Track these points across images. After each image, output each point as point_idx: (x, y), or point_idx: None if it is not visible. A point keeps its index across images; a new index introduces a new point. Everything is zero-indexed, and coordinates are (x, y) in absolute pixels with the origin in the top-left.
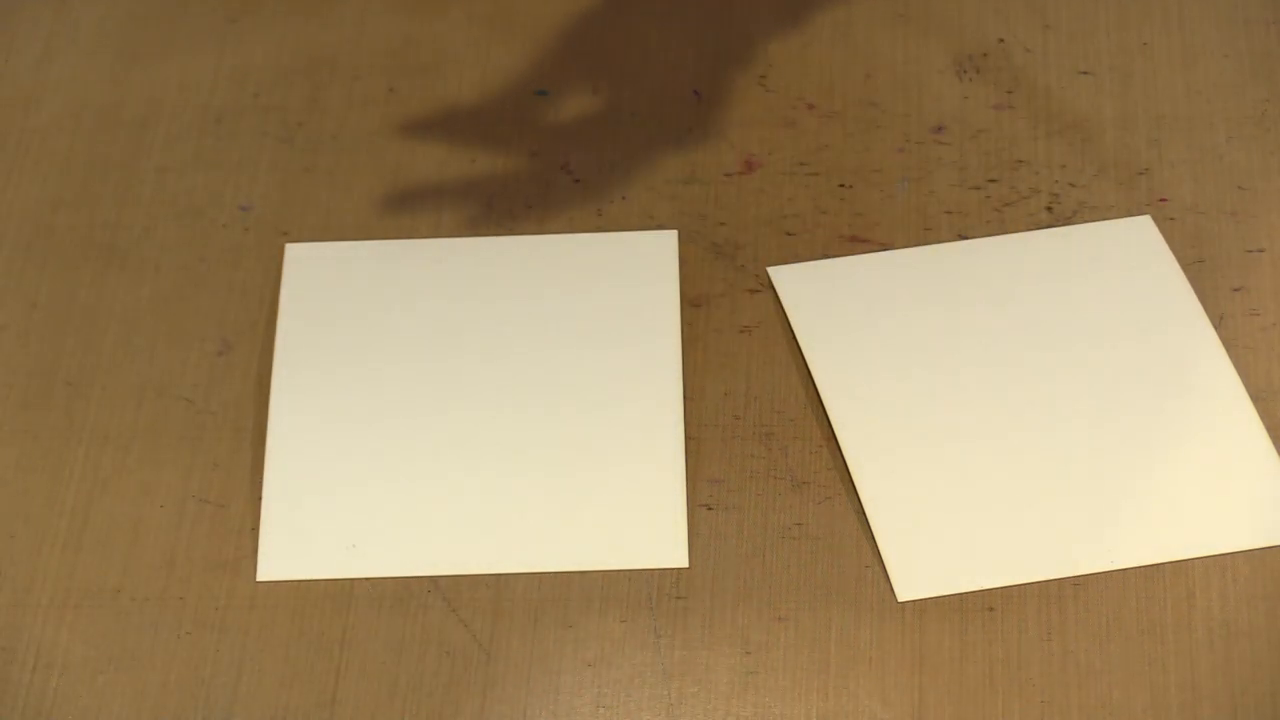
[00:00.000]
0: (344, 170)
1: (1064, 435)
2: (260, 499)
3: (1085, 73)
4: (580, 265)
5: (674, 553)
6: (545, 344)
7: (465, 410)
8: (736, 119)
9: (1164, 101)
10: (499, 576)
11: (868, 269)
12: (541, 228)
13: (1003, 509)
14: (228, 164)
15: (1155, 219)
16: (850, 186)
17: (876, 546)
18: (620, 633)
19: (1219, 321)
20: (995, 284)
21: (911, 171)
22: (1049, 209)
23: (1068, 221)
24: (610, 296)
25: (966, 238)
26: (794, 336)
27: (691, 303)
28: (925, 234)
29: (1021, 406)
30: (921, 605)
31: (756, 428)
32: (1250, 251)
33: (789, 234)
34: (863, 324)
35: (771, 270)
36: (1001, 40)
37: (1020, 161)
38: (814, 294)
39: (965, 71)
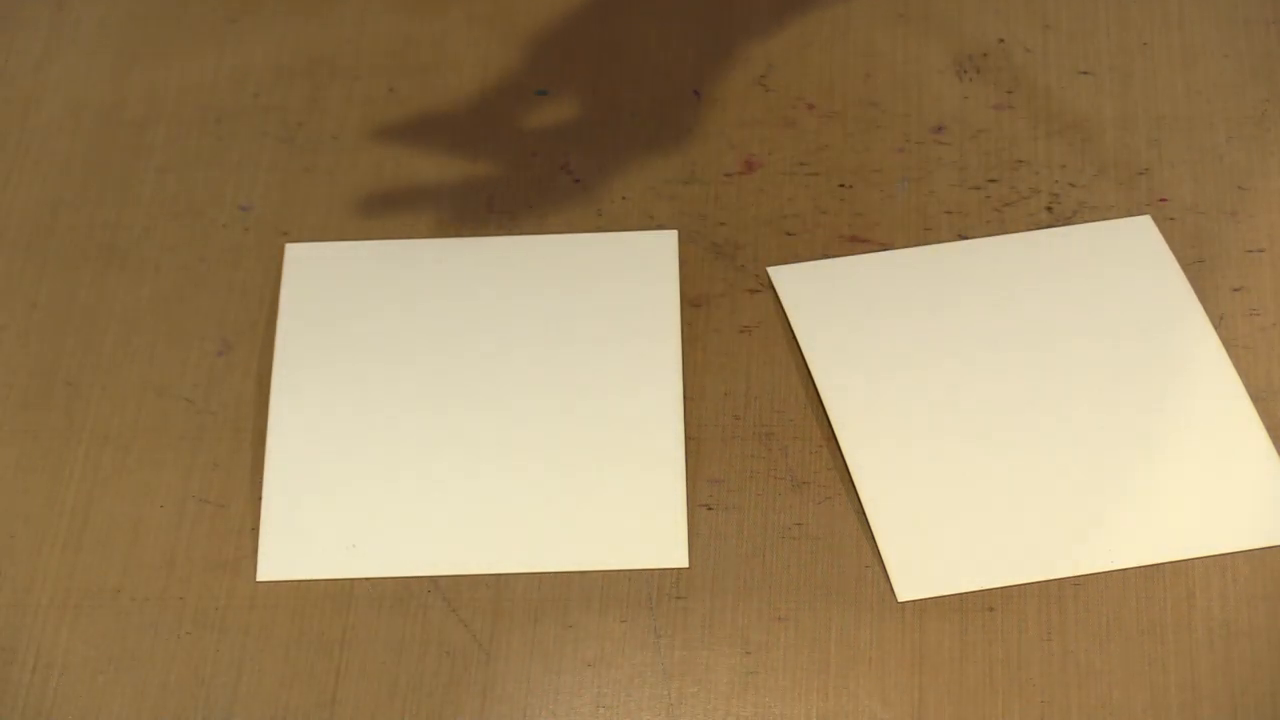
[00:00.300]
0: (344, 170)
1: (1064, 435)
2: (260, 499)
3: (1085, 73)
4: (580, 265)
5: (674, 553)
6: (545, 344)
7: (465, 410)
8: (736, 119)
9: (1164, 101)
10: (499, 576)
11: (868, 269)
12: (541, 228)
13: (1003, 509)
14: (228, 164)
15: (1155, 219)
16: (850, 186)
17: (876, 546)
18: (620, 633)
19: (1219, 321)
20: (995, 284)
21: (911, 171)
22: (1049, 209)
23: (1068, 221)
24: (610, 296)
25: (966, 238)
26: (794, 336)
27: (691, 303)
28: (925, 234)
29: (1021, 406)
30: (921, 605)
31: (756, 428)
32: (1250, 251)
33: (789, 234)
34: (863, 324)
35: (771, 270)
36: (1001, 40)
37: (1020, 161)
38: (814, 294)
39: (965, 71)
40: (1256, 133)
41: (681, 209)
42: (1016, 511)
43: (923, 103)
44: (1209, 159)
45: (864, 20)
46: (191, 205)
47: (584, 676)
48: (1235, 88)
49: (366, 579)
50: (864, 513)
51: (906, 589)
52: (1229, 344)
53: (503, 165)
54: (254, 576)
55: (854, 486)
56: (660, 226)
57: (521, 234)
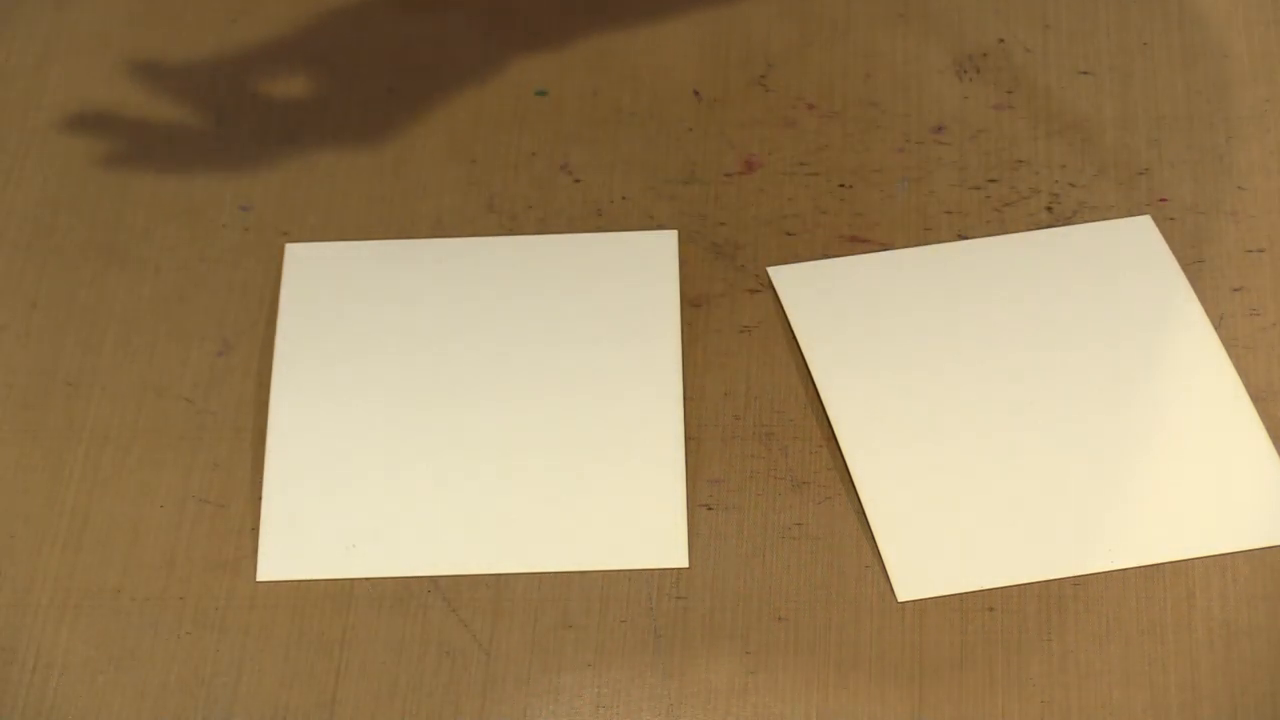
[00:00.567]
0: (344, 170)
1: (1064, 435)
2: (260, 499)
3: (1085, 73)
4: (580, 265)
5: (674, 553)
6: (545, 344)
7: (465, 410)
8: (736, 119)
9: (1164, 101)
10: (499, 576)
11: (868, 269)
12: (541, 228)
13: (1003, 509)
14: (228, 164)
15: (1155, 219)
16: (850, 186)
17: (876, 546)
18: (620, 633)
19: (1219, 321)
20: (995, 284)
21: (911, 171)
22: (1049, 209)
23: (1068, 221)
24: (610, 296)
25: (966, 238)
26: (794, 336)
27: (691, 303)
28: (925, 234)
29: (1021, 406)
30: (921, 605)
31: (756, 428)
32: (1250, 251)
33: (789, 234)
34: (863, 324)
35: (771, 270)
36: (1001, 40)
37: (1020, 161)
38: (814, 294)
39: (965, 71)
40: (1256, 133)
41: (681, 209)
42: (1017, 511)
43: (923, 103)
44: (1209, 159)
45: (864, 20)
46: (191, 205)
47: (584, 676)
48: (1235, 88)
49: (366, 579)
50: (864, 513)
51: (906, 589)
52: (1229, 344)
53: (503, 165)
54: (254, 576)
55: (854, 486)
56: (660, 226)
57: (521, 234)
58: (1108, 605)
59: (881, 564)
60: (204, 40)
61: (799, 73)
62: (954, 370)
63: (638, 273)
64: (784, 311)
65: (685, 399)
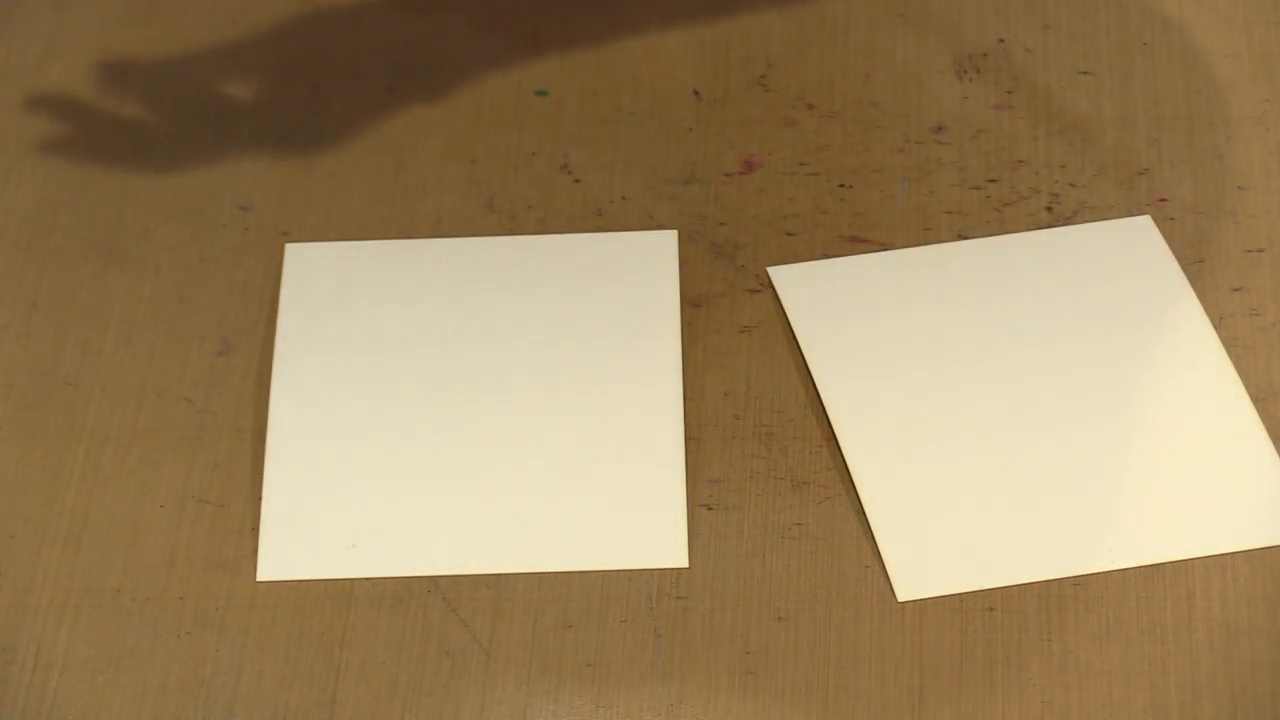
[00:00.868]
0: (344, 170)
1: (1064, 435)
2: (260, 499)
3: (1085, 73)
4: (580, 265)
5: (674, 553)
6: (545, 344)
7: (465, 410)
8: (736, 119)
9: (1164, 101)
10: (499, 576)
11: (868, 269)
12: (541, 228)
13: (1003, 509)
14: (228, 164)
15: (1155, 219)
16: (850, 186)
17: (876, 546)
18: (620, 633)
19: (1219, 321)
20: (995, 284)
21: (911, 171)
22: (1049, 209)
23: (1068, 221)
24: (610, 296)
25: (966, 238)
26: (794, 336)
27: (691, 303)
28: (925, 234)
29: (1021, 406)
30: (921, 605)
31: (756, 428)
32: (1250, 251)
33: (789, 234)
34: (863, 324)
35: (771, 270)
36: (1001, 40)
37: (1020, 161)
38: (814, 294)
39: (965, 71)
40: (1256, 133)
41: (681, 209)
42: (1016, 511)
43: (923, 103)
44: (1209, 159)
45: (864, 20)
46: (191, 205)
47: (584, 676)
48: (1235, 88)
49: (366, 579)
50: (864, 513)
51: (906, 589)
52: (1229, 344)
53: (503, 165)
54: (254, 576)
55: (854, 486)
56: (660, 226)
57: (521, 234)
58: (1108, 605)
59: (881, 564)
60: (204, 40)
61: (799, 73)
62: (954, 370)
63: (638, 273)
64: (784, 311)
65: (685, 399)
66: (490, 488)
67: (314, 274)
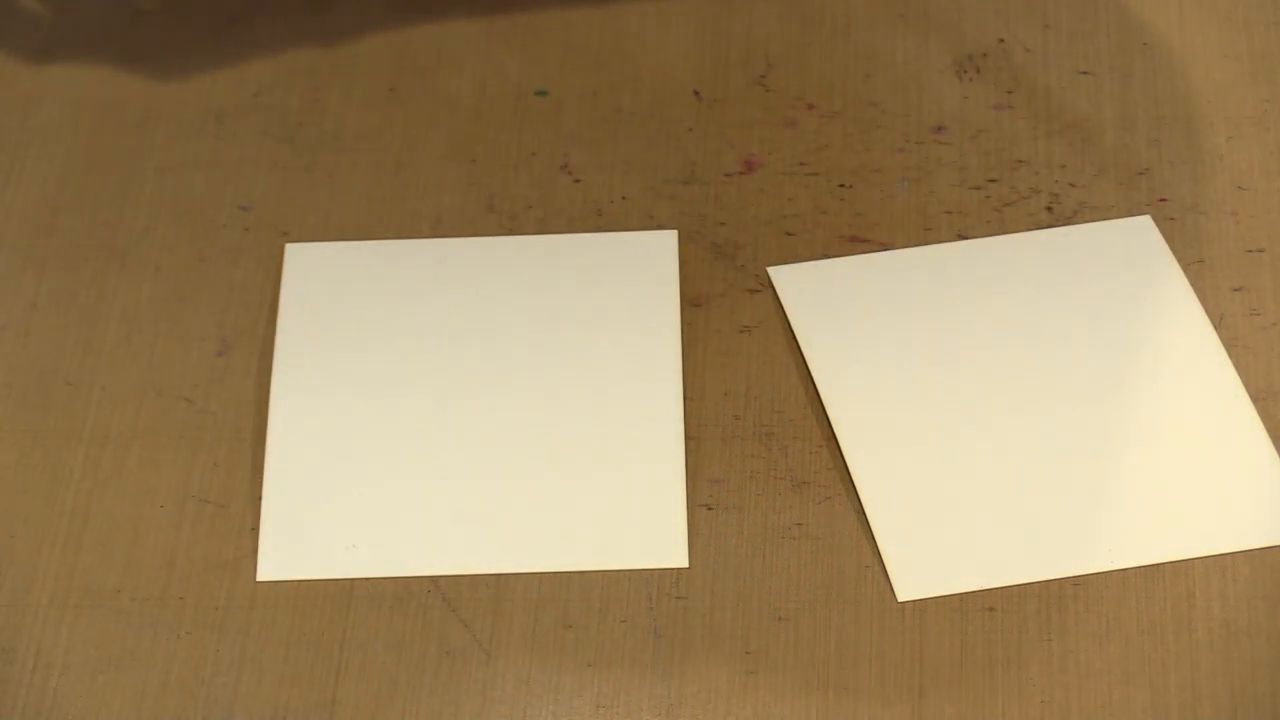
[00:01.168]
0: (344, 170)
1: (1063, 435)
2: (260, 499)
3: (1085, 73)
4: (580, 265)
5: (674, 553)
6: (545, 344)
7: (465, 410)
8: (736, 119)
9: (1164, 101)
10: (499, 576)
11: (868, 269)
12: (541, 228)
13: (1003, 509)
14: (228, 164)
15: (1155, 219)
16: (850, 186)
17: (876, 546)
18: (620, 633)
19: (1219, 321)
20: (995, 284)
21: (911, 171)
22: (1049, 209)
23: (1068, 221)
24: (610, 296)
25: (966, 238)
26: (794, 336)
27: (691, 303)
28: (925, 234)
29: (1021, 406)
30: (921, 605)
31: (756, 428)
32: (1250, 251)
33: (789, 234)
34: (863, 324)
35: (771, 270)
36: (1001, 40)
37: (1020, 161)
38: (814, 294)
39: (965, 71)
40: (1256, 133)
41: (681, 209)
42: (1016, 511)
43: (923, 103)
44: (1209, 159)
45: (864, 20)
46: (191, 205)
47: (584, 676)
48: (1235, 88)
49: (366, 579)
50: (864, 513)
51: (906, 589)
52: (1229, 344)
53: (503, 165)
54: (254, 576)
55: (854, 486)
56: (660, 226)
57: (521, 234)
58: (1108, 605)
59: (881, 564)
60: (204, 40)
61: (799, 73)
62: (954, 370)
63: (638, 273)
64: (784, 311)
65: (685, 399)
66: (490, 488)
67: (314, 274)
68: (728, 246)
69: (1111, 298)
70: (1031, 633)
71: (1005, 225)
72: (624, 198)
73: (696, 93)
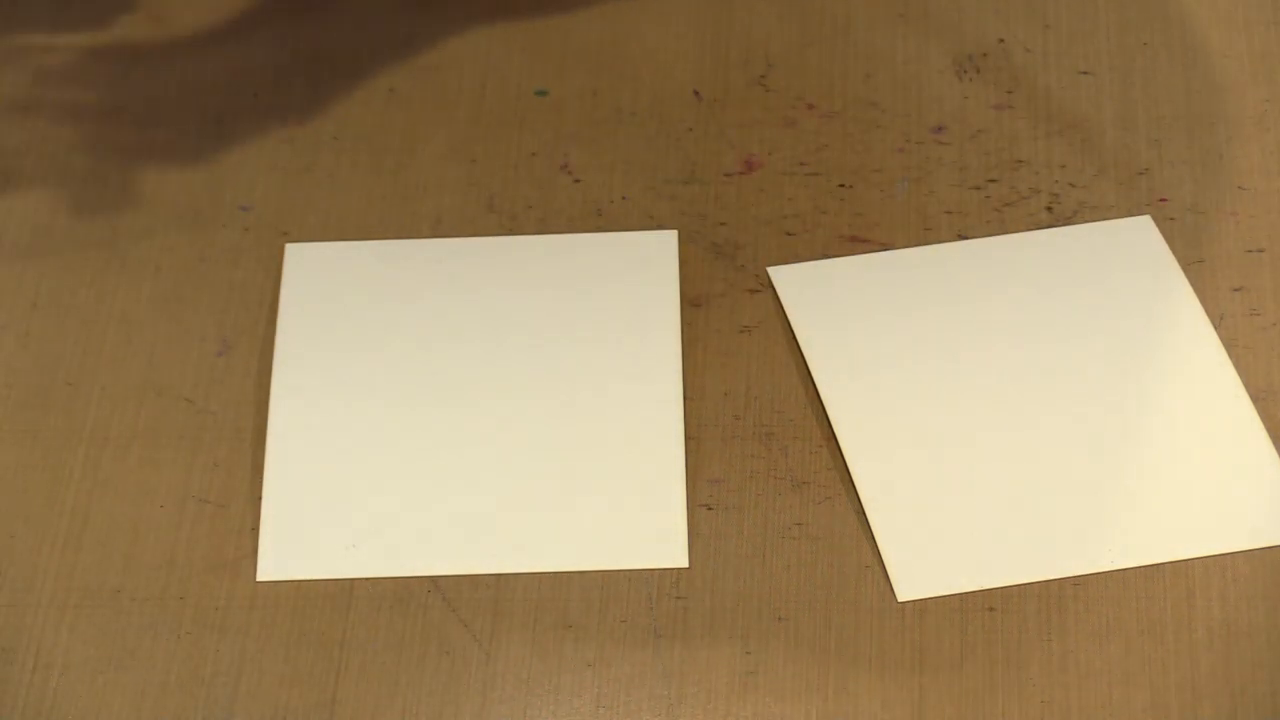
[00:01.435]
0: (344, 170)
1: (1063, 435)
2: (260, 499)
3: (1085, 73)
4: (580, 265)
5: (674, 553)
6: (545, 344)
7: (465, 410)
8: (736, 119)
9: (1164, 101)
10: (499, 576)
11: (868, 269)
12: (541, 228)
13: (1003, 509)
14: (228, 164)
15: (1155, 219)
16: (850, 186)
17: (876, 546)
18: (620, 633)
19: (1219, 321)
20: (995, 284)
21: (911, 171)
22: (1049, 209)
23: (1068, 221)
24: (610, 296)
25: (966, 238)
26: (794, 336)
27: (691, 303)
28: (925, 234)
29: (1021, 406)
30: (921, 605)
31: (756, 428)
32: (1250, 251)
33: (789, 234)
34: (863, 324)
35: (771, 270)
36: (1001, 40)
37: (1020, 161)
38: (814, 294)
39: (965, 71)
40: (1256, 133)
41: (681, 209)
42: (1017, 511)
43: (923, 103)
44: (1209, 159)
45: (864, 20)
46: (191, 205)
47: (584, 676)
48: (1235, 88)
49: (366, 579)
50: (864, 513)
51: (906, 589)
52: (1229, 344)
53: (503, 165)
54: (254, 576)
55: (854, 486)
56: (660, 226)
57: (521, 234)
58: (1108, 605)
59: (881, 564)
60: (204, 40)
61: (799, 73)
62: (954, 370)
63: (638, 273)
64: (784, 311)
65: (685, 399)
66: (490, 488)
67: (314, 274)
68: (728, 246)
69: (1111, 298)
70: (1031, 633)
71: (1005, 225)
72: (624, 198)
73: (696, 93)
